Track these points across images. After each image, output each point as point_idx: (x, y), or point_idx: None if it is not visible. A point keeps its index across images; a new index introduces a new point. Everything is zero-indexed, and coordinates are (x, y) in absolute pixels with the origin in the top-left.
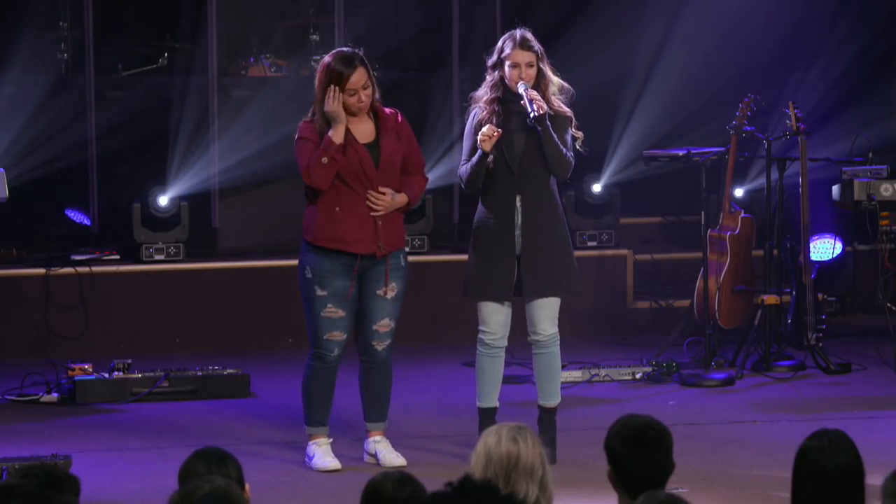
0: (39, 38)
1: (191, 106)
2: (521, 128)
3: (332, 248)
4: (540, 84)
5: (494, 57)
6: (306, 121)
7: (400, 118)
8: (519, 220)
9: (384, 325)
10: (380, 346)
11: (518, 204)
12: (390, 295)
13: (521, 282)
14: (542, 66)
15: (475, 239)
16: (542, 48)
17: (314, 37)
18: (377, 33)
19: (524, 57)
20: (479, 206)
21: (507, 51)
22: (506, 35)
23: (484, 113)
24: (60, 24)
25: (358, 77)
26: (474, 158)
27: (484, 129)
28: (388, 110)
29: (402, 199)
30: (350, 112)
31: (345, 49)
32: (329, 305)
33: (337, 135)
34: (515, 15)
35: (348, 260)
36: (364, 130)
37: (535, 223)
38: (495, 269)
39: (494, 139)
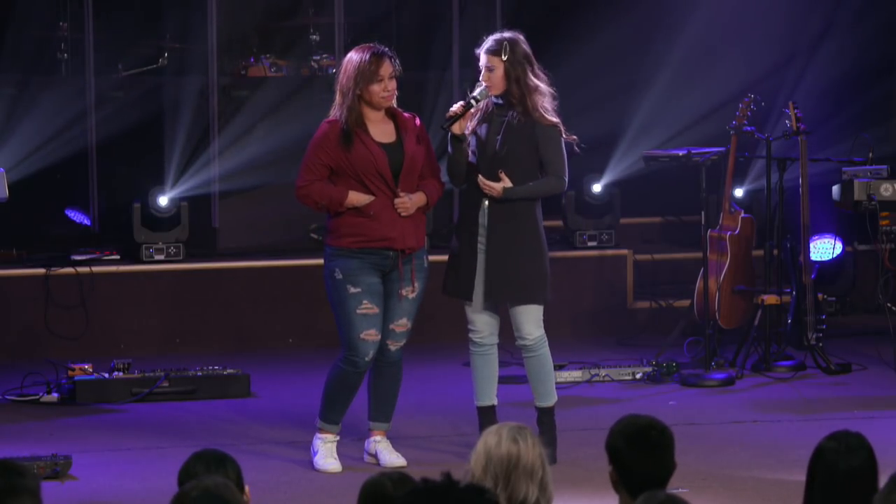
0: (39, 38)
1: (191, 106)
2: (497, 131)
3: (361, 248)
4: (512, 89)
5: None
6: (329, 119)
7: (419, 122)
8: (486, 222)
9: (402, 324)
10: (394, 346)
11: (485, 207)
12: (411, 295)
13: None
14: (517, 70)
15: (453, 236)
16: (520, 52)
17: (314, 37)
18: (377, 33)
19: (482, 59)
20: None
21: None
22: None
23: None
24: (60, 24)
25: (386, 67)
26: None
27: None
28: (406, 114)
29: (420, 197)
30: (374, 105)
31: (371, 44)
32: (365, 301)
33: (352, 200)
34: (515, 15)
35: (376, 259)
36: (384, 131)
37: (500, 228)
38: (460, 268)
39: (462, 120)
